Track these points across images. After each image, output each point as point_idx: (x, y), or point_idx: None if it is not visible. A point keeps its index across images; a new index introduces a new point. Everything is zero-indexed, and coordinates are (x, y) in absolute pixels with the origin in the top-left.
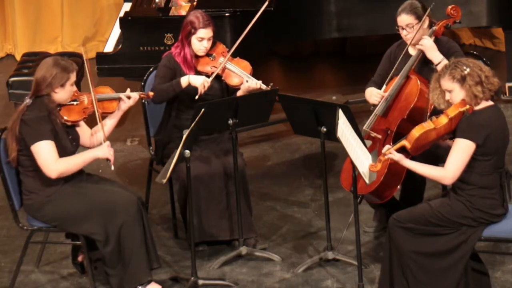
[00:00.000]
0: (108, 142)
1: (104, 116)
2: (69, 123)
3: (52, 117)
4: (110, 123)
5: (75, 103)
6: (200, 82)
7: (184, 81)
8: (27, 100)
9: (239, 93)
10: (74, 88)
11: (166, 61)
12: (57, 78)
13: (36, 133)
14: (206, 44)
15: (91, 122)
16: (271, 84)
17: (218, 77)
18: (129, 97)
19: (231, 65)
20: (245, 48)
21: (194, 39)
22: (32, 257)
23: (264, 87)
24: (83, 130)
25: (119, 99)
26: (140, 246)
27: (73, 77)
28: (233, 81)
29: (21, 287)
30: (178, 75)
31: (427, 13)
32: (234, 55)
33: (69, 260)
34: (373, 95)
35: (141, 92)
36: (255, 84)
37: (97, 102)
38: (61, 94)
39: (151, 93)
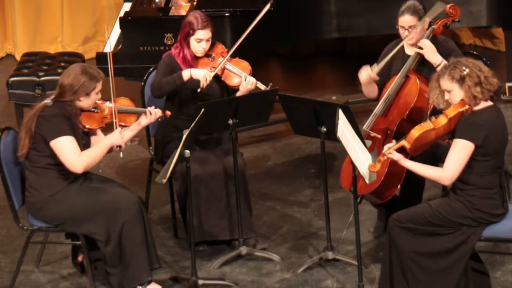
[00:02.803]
0: (120, 129)
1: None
2: (85, 130)
3: (72, 119)
4: (127, 134)
5: (95, 110)
6: (202, 75)
7: (186, 73)
8: (48, 101)
9: (238, 94)
10: (99, 96)
11: (167, 59)
12: (84, 86)
13: (57, 129)
14: (205, 45)
15: (107, 129)
16: (271, 84)
17: (218, 78)
18: (151, 113)
19: (230, 65)
20: (244, 48)
21: (192, 40)
22: (32, 257)
23: (261, 85)
24: (98, 139)
25: (139, 114)
26: (141, 246)
27: (99, 86)
28: (232, 81)
29: (21, 287)
30: None
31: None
32: (233, 55)
33: (69, 260)
34: (363, 71)
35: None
36: (251, 83)
37: (118, 113)
38: (85, 102)
39: (168, 113)
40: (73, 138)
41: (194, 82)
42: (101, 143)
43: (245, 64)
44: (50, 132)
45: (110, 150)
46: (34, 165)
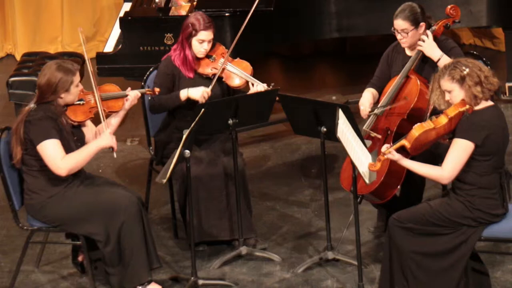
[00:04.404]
0: (109, 130)
1: (109, 114)
2: (75, 123)
3: (58, 120)
4: (114, 121)
5: (81, 102)
6: (199, 95)
7: (183, 95)
8: (32, 105)
9: None
10: (80, 87)
11: (164, 67)
12: (61, 83)
13: (42, 132)
14: (206, 46)
15: (96, 120)
16: (272, 84)
17: (219, 79)
18: (131, 95)
19: (231, 66)
20: (245, 48)
21: (194, 41)
22: (32, 257)
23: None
24: (88, 129)
25: (125, 97)
26: (140, 246)
27: (76, 79)
28: (234, 82)
29: (21, 287)
30: (177, 79)
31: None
32: (234, 56)
33: (69, 260)
34: (361, 110)
35: (147, 89)
36: (260, 88)
37: (103, 101)
38: (68, 97)
39: (157, 89)
40: (57, 141)
41: (189, 105)
42: (89, 146)
43: (246, 64)
44: (37, 136)
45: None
46: (31, 168)
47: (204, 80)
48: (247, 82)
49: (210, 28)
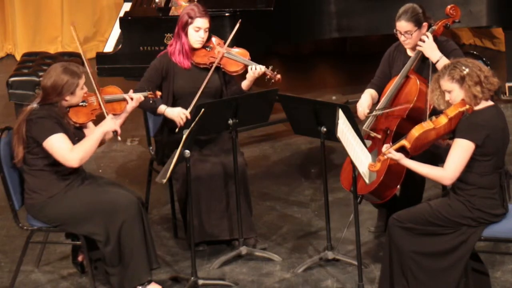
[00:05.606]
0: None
1: None
2: (77, 125)
3: (62, 121)
4: (117, 122)
5: (83, 104)
6: (176, 115)
7: (160, 110)
8: (34, 105)
9: (244, 83)
10: (85, 89)
11: (157, 61)
12: (67, 86)
13: (46, 129)
14: (203, 35)
15: (98, 121)
16: (271, 66)
17: (217, 68)
18: (133, 98)
19: (229, 53)
20: (244, 47)
21: (191, 29)
22: (32, 257)
23: (268, 71)
24: (90, 131)
25: (127, 100)
26: (140, 246)
27: (82, 81)
28: (232, 67)
29: (21, 287)
30: (171, 74)
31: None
32: (231, 46)
33: (69, 260)
34: (359, 111)
35: (149, 92)
36: (259, 69)
37: (105, 103)
38: (72, 100)
39: (158, 93)
40: (63, 134)
41: (190, 85)
42: (93, 133)
43: (244, 50)
44: (41, 133)
45: (103, 142)
46: (32, 168)
47: (200, 70)
48: (245, 67)
49: (206, 16)
